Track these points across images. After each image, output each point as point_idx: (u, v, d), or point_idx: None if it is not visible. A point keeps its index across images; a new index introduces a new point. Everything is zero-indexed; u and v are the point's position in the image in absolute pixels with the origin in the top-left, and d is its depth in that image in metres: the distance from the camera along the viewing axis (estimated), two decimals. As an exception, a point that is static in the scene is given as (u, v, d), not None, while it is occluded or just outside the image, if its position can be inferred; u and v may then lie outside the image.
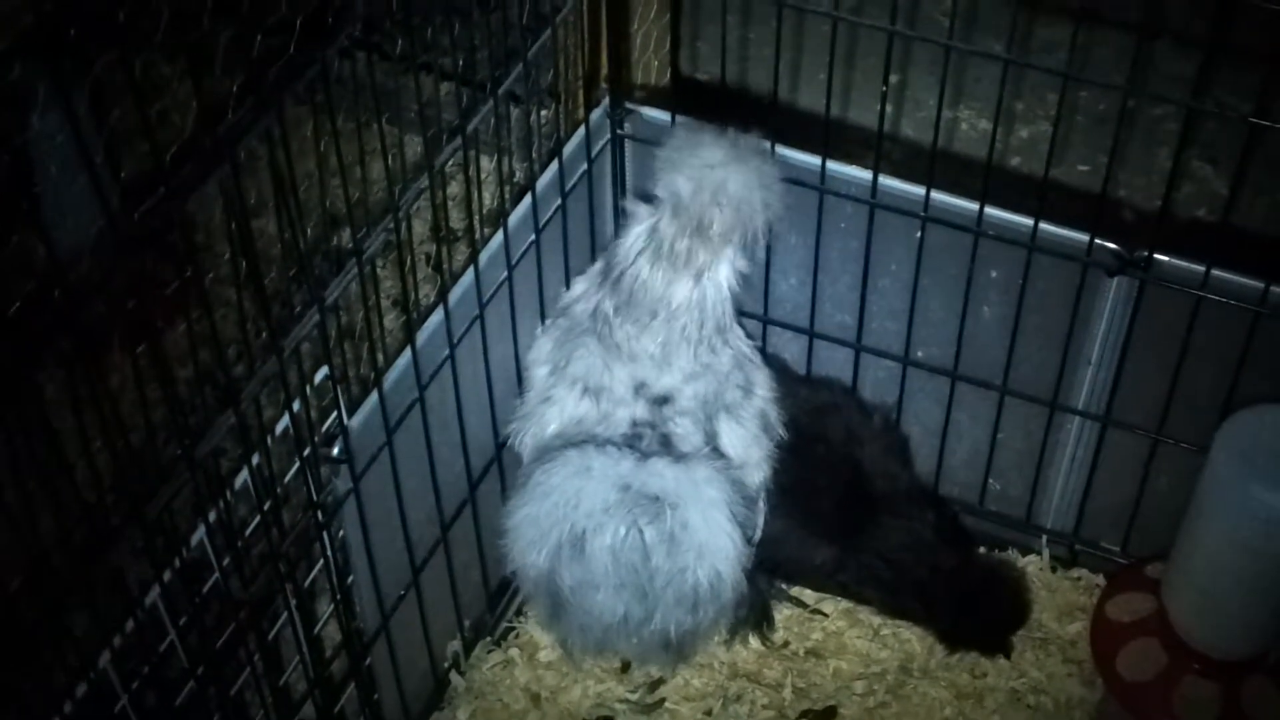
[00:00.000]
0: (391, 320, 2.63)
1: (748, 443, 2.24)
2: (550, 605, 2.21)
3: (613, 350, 2.19)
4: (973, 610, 2.38)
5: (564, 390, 2.23)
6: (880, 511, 2.36)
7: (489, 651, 2.47)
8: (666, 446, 2.17)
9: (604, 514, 2.08)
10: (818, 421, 2.39)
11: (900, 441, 2.47)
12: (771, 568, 2.40)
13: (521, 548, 2.14)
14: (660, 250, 2.13)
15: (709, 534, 2.09)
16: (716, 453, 2.19)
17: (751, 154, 2.10)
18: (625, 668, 2.43)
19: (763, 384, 2.28)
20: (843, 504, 2.37)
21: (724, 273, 2.15)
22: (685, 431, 2.19)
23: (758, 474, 2.26)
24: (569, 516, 2.08)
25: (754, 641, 2.46)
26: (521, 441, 2.26)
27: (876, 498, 2.37)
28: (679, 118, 2.30)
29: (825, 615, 2.50)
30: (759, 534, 2.27)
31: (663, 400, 2.19)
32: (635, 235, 2.16)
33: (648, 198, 2.16)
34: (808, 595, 2.52)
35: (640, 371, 2.19)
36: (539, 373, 2.28)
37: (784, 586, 2.52)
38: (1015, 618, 2.44)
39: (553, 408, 2.23)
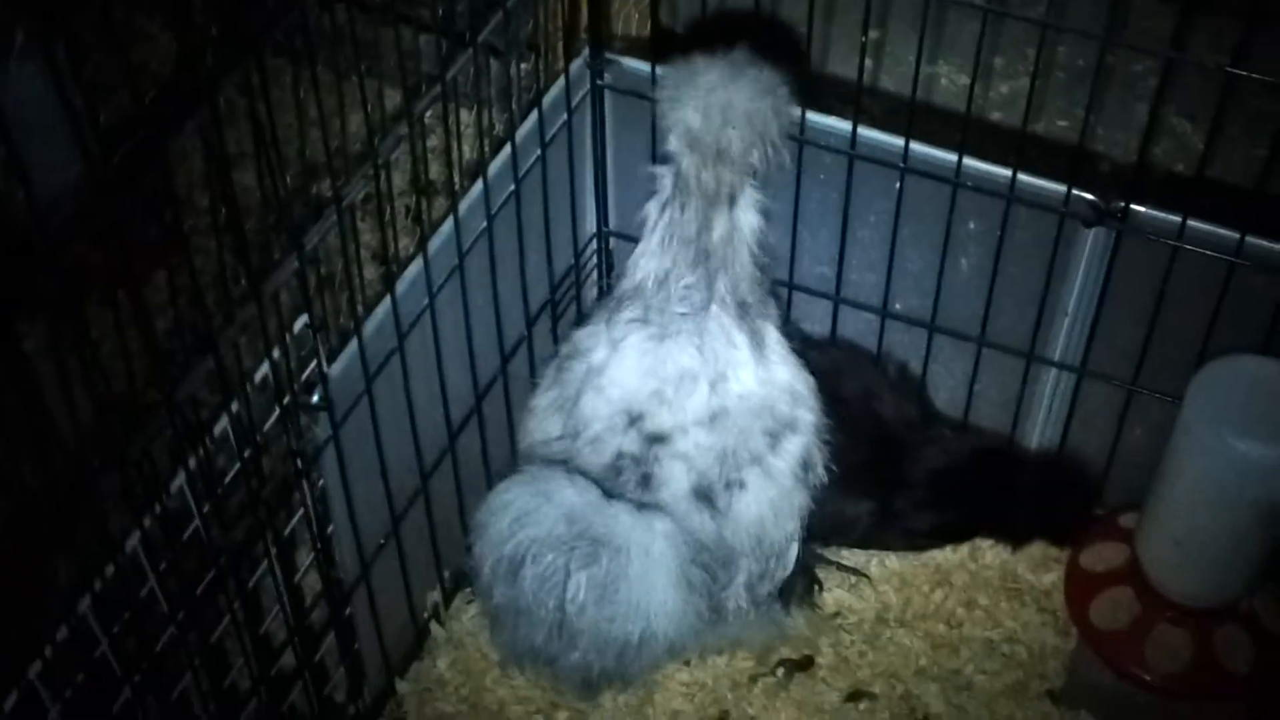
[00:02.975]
0: (371, 271, 2.63)
1: (775, 500, 2.17)
2: (490, 613, 2.25)
3: (615, 336, 2.15)
4: (1043, 502, 2.40)
5: (546, 401, 2.23)
6: (910, 447, 2.38)
7: (469, 602, 2.48)
8: (645, 486, 2.13)
9: (544, 543, 2.07)
10: (834, 383, 2.35)
11: (915, 385, 2.49)
12: (813, 534, 2.35)
13: (475, 551, 2.16)
14: (689, 189, 2.06)
15: (644, 592, 2.06)
16: (707, 504, 2.14)
17: (747, 65, 2.05)
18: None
19: (806, 421, 2.20)
20: (872, 459, 2.37)
21: (750, 198, 2.09)
22: (669, 476, 2.13)
23: (785, 527, 2.20)
24: (513, 536, 2.08)
25: (801, 616, 2.41)
26: (519, 441, 2.29)
27: (905, 441, 2.39)
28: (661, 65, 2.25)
29: (802, 567, 2.51)
30: (733, 600, 2.23)
31: (656, 439, 2.13)
32: (661, 190, 2.10)
33: (665, 159, 2.10)
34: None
35: (643, 398, 2.13)
36: (545, 376, 2.27)
37: (824, 553, 2.50)
38: (1087, 501, 2.45)
39: (533, 418, 2.25)
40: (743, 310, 2.12)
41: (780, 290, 2.50)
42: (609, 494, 2.11)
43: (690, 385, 2.12)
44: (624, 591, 2.06)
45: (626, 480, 2.14)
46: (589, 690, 2.25)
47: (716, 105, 2.01)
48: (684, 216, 2.08)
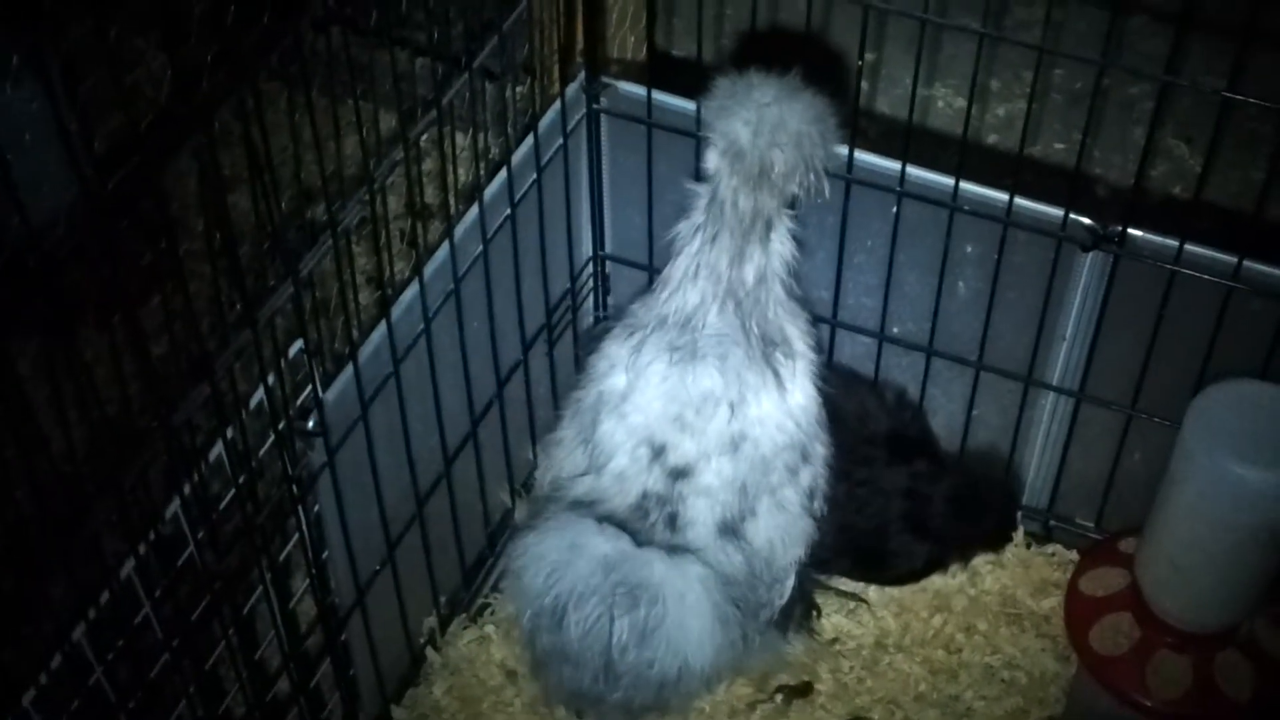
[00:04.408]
0: (366, 296, 2.63)
1: (784, 526, 2.16)
2: (532, 658, 2.25)
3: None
4: (967, 515, 2.39)
5: (571, 432, 2.21)
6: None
7: (465, 628, 2.47)
8: (671, 527, 2.11)
9: (584, 592, 2.06)
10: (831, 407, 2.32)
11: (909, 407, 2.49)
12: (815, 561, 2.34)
13: (513, 598, 2.17)
14: (722, 216, 2.00)
15: (682, 636, 2.06)
16: (732, 537, 2.12)
17: (801, 89, 1.99)
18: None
19: (819, 452, 2.18)
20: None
21: (784, 230, 2.03)
22: (695, 515, 2.11)
23: (791, 554, 2.19)
24: (552, 588, 2.08)
25: (799, 642, 2.39)
26: (542, 478, 2.28)
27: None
28: (715, 74, 2.12)
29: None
30: (758, 636, 2.23)
31: (680, 473, 2.10)
32: (695, 213, 2.04)
33: (701, 177, 2.05)
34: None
35: (665, 424, 2.09)
36: (568, 406, 2.25)
37: (823, 578, 2.48)
38: (1009, 509, 2.45)
39: (560, 449, 2.23)
40: (768, 343, 2.08)
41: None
42: (637, 538, 2.09)
43: (711, 409, 2.08)
44: (662, 636, 2.06)
45: (654, 522, 2.12)
46: None
47: (768, 122, 1.95)
48: (715, 248, 2.02)
